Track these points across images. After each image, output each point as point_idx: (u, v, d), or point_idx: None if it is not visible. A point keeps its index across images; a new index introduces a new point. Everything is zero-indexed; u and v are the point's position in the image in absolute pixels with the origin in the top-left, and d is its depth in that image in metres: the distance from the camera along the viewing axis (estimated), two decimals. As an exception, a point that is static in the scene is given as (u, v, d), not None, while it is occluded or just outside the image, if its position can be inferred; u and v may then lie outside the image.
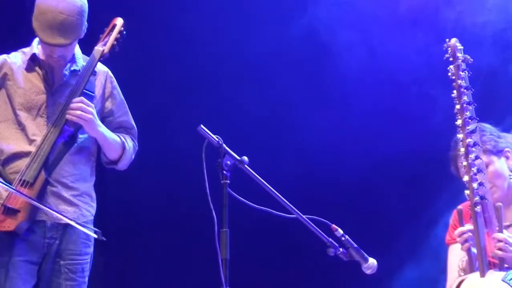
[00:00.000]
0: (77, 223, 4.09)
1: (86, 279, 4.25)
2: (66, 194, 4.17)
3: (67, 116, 4.10)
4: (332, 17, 6.34)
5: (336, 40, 6.34)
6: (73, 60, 4.28)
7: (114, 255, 6.37)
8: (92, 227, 4.18)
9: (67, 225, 4.14)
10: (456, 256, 4.10)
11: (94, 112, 4.15)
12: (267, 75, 6.48)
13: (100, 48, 4.29)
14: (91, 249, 4.28)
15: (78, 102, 4.11)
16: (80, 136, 4.25)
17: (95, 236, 4.08)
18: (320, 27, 6.38)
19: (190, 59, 6.42)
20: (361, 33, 6.35)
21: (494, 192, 4.05)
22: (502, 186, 4.12)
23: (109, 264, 6.38)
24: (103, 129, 4.23)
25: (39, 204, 4.00)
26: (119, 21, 4.39)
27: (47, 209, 4.03)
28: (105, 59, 4.32)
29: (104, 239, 4.06)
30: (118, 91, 4.41)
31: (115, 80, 4.42)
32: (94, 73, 4.27)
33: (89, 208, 4.29)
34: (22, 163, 4.10)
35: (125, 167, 4.40)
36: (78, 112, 4.10)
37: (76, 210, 4.21)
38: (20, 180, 4.04)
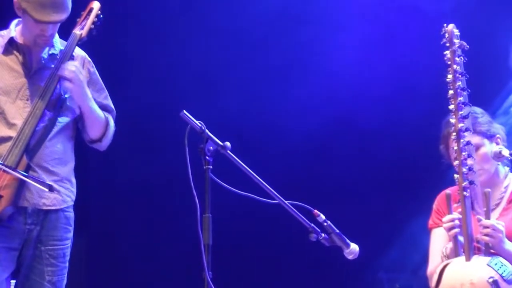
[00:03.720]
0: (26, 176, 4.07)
1: (67, 263, 4.26)
2: (47, 180, 4.15)
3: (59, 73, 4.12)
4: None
5: (325, 32, 6.42)
6: (51, 44, 4.26)
7: (96, 239, 6.39)
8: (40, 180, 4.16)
9: (48, 210, 4.15)
10: (439, 240, 4.15)
11: (82, 76, 4.17)
12: (250, 61, 6.48)
13: (78, 32, 4.29)
14: (71, 234, 4.28)
15: (71, 65, 4.14)
16: (59, 119, 4.23)
17: (47, 190, 4.07)
18: (311, 15, 6.48)
19: (173, 44, 6.44)
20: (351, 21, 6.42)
21: (480, 174, 4.09)
22: (489, 170, 4.17)
23: (90, 248, 6.40)
24: (91, 101, 4.23)
25: (30, 180, 4.02)
26: (95, 5, 4.39)
27: (33, 182, 4.04)
28: (83, 43, 4.31)
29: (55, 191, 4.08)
30: (97, 75, 4.40)
31: (93, 65, 4.41)
32: (72, 57, 4.25)
33: (69, 194, 4.28)
34: (3, 148, 4.08)
35: (106, 147, 4.40)
36: (72, 74, 4.12)
37: (57, 196, 4.19)
38: (2, 165, 4.02)
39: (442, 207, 4.15)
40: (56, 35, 4.30)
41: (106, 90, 4.44)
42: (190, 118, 3.64)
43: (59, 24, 4.20)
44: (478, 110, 4.20)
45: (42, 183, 4.06)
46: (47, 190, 4.06)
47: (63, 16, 4.11)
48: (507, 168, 4.26)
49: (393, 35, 6.40)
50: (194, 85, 6.47)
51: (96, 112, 4.26)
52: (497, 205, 4.19)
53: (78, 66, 4.19)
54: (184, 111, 3.64)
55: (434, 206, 4.27)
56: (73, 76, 4.13)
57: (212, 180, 3.60)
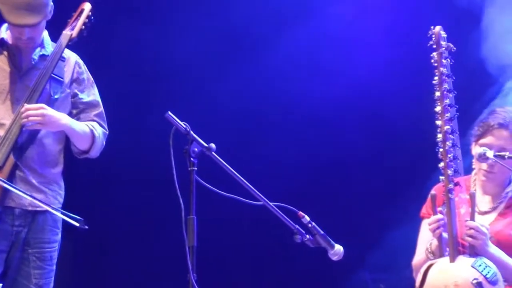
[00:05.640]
0: (54, 209, 4.10)
1: (54, 266, 4.28)
2: (34, 180, 4.17)
3: (22, 123, 4.07)
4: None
5: (315, 32, 6.41)
6: (42, 45, 4.28)
7: (82, 241, 6.36)
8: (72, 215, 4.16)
9: (36, 212, 4.15)
10: (428, 230, 4.14)
11: (46, 110, 4.11)
12: (234, 63, 6.49)
13: (68, 33, 4.31)
14: (59, 237, 4.29)
15: (24, 112, 4.07)
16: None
17: (77, 224, 3.99)
18: (287, 14, 6.46)
19: (159, 45, 6.44)
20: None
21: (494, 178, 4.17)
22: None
23: (77, 251, 6.38)
24: (67, 120, 4.21)
25: (16, 191, 4.02)
26: (87, 6, 4.42)
27: (26, 196, 4.04)
28: (74, 43, 4.33)
29: (87, 227, 3.99)
30: (84, 76, 4.40)
31: (84, 65, 4.42)
32: (63, 58, 4.28)
33: (57, 196, 4.29)
34: (-9, 148, 4.10)
35: (97, 155, 4.40)
36: (32, 119, 4.07)
37: (44, 197, 4.19)
38: (-12, 164, 4.05)
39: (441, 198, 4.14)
40: (47, 37, 4.33)
41: (94, 87, 4.43)
42: (175, 120, 3.64)
43: (40, 28, 4.20)
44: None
45: (25, 193, 4.07)
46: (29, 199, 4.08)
47: (37, 19, 4.11)
48: None
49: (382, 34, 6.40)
50: (180, 86, 6.49)
51: (76, 130, 4.25)
52: (494, 208, 4.22)
53: (31, 108, 4.09)
54: (169, 113, 3.64)
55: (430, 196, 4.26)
56: (33, 122, 4.09)
57: (197, 182, 3.59)
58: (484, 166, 4.14)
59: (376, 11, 6.36)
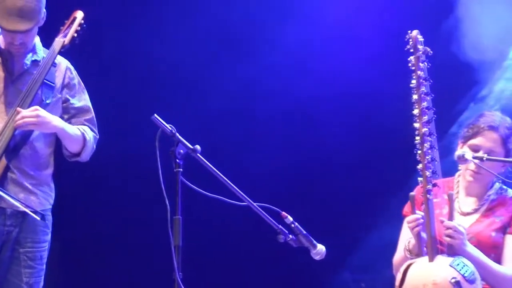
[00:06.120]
0: (31, 210, 4.16)
1: (44, 266, 4.32)
2: (25, 182, 4.23)
3: (16, 126, 4.12)
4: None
5: (294, 34, 6.41)
6: (34, 50, 4.33)
7: (71, 241, 6.41)
8: (45, 213, 4.27)
9: (27, 213, 4.18)
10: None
11: (41, 112, 4.16)
12: (220, 66, 6.51)
13: (60, 40, 4.36)
14: (49, 237, 4.34)
15: (19, 113, 4.13)
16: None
17: (38, 218, 4.16)
18: (275, 15, 6.48)
19: (145, 49, 6.44)
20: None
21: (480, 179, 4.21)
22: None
23: (66, 250, 6.38)
24: (59, 122, 4.26)
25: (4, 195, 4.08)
26: (79, 14, 4.46)
27: (6, 196, 4.10)
28: (66, 50, 4.38)
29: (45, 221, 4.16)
30: (75, 81, 4.44)
31: (74, 71, 4.46)
32: (54, 64, 4.32)
33: (48, 197, 4.34)
34: (-17, 151, 4.14)
35: (87, 158, 4.44)
36: (26, 120, 4.12)
37: (35, 198, 4.26)
38: (-19, 167, 4.10)
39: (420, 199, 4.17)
40: (39, 42, 4.37)
41: (85, 93, 4.48)
42: (161, 122, 3.68)
43: (32, 34, 4.24)
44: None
45: (15, 199, 4.14)
46: (20, 207, 4.14)
47: (28, 25, 4.15)
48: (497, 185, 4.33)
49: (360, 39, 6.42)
50: (166, 88, 6.49)
51: (68, 132, 4.29)
52: (476, 210, 4.26)
53: (25, 111, 4.16)
54: (156, 115, 3.67)
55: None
56: (27, 123, 4.13)
57: (182, 183, 3.62)
58: (472, 166, 4.17)
59: (368, 11, 6.37)
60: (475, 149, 4.16)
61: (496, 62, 6.19)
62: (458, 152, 4.17)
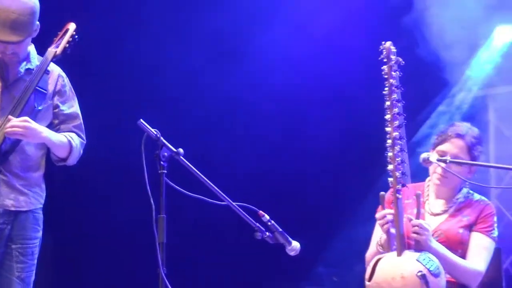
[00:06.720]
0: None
1: (35, 261, 4.41)
2: (17, 184, 4.32)
3: (5, 133, 4.21)
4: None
5: (268, 37, 6.51)
6: (28, 59, 4.41)
7: (61, 238, 6.49)
8: None
9: (18, 212, 4.31)
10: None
11: (30, 123, 4.23)
12: (202, 71, 6.59)
13: (53, 50, 4.42)
14: (40, 234, 4.43)
15: (9, 122, 4.20)
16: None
17: None
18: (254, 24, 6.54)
19: (133, 57, 6.50)
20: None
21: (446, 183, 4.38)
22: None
23: (56, 248, 6.49)
24: (47, 133, 4.33)
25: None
26: (71, 26, 4.52)
27: None
28: (57, 60, 4.46)
29: None
30: (66, 88, 4.52)
31: (66, 78, 4.54)
32: (47, 72, 4.40)
33: (38, 198, 4.44)
34: (-24, 154, 4.21)
35: (74, 162, 4.52)
36: (15, 130, 4.21)
37: (26, 198, 4.36)
38: (-27, 169, 4.17)
39: (390, 199, 4.30)
40: (33, 51, 4.47)
41: (75, 100, 4.56)
42: (147, 126, 3.77)
43: (24, 45, 4.32)
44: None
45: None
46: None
47: (20, 37, 4.23)
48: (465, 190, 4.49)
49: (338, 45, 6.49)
50: (151, 94, 6.56)
51: (55, 142, 4.37)
52: (445, 211, 4.43)
53: (15, 120, 4.23)
54: (141, 120, 3.76)
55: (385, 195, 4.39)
56: (15, 133, 4.21)
57: (166, 184, 3.70)
58: (439, 170, 4.33)
59: (348, 21, 6.46)
60: (442, 154, 4.33)
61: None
62: (423, 155, 4.32)
